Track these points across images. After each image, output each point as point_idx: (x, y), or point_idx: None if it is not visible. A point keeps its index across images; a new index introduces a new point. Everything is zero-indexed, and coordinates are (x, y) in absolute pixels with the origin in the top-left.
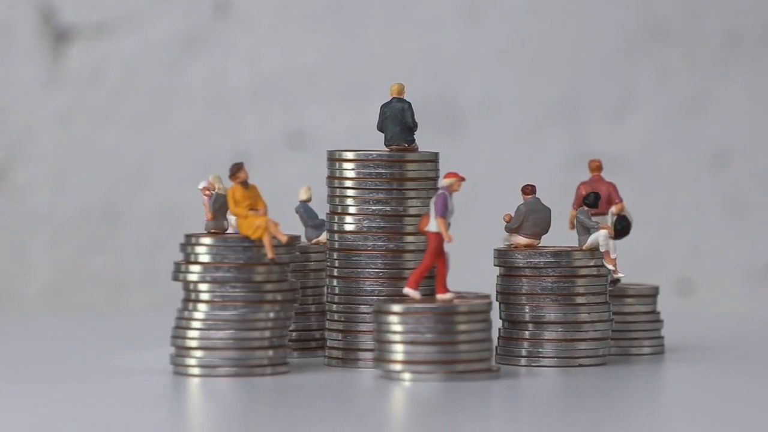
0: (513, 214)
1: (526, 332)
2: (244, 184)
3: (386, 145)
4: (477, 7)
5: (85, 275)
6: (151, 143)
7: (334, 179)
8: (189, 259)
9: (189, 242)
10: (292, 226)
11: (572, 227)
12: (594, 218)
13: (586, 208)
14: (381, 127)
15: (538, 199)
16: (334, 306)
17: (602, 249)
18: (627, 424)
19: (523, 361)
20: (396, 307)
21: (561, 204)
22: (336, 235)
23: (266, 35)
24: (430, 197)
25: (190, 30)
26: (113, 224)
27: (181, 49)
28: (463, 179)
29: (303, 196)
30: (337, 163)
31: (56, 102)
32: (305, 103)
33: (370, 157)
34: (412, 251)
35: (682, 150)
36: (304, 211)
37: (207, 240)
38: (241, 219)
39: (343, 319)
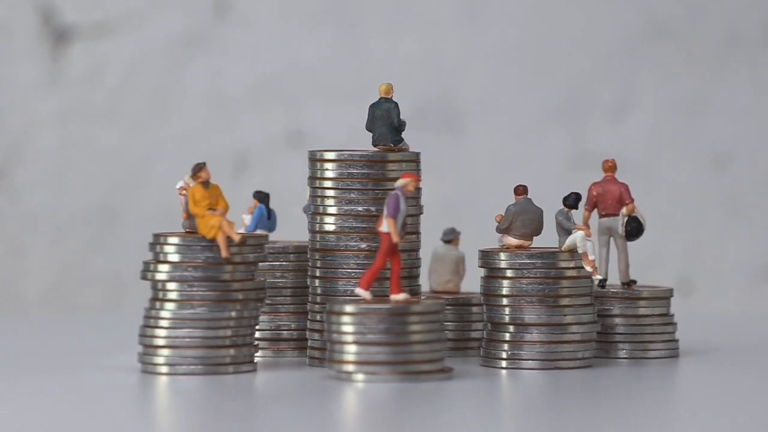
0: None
1: (508, 334)
2: (205, 183)
3: (374, 145)
4: (477, 7)
5: (85, 275)
6: (151, 143)
7: (315, 179)
8: (158, 259)
9: (157, 242)
10: (297, 225)
11: (588, 229)
12: (605, 219)
13: (565, 208)
14: (369, 127)
15: (530, 199)
16: (316, 306)
17: (580, 251)
18: (567, 429)
19: (505, 363)
20: (348, 308)
21: (560, 204)
22: (317, 236)
23: (266, 35)
24: (413, 197)
25: (190, 30)
26: (113, 224)
27: (181, 49)
28: (418, 180)
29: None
30: (317, 164)
31: (56, 102)
32: (305, 103)
33: (350, 158)
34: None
35: (682, 150)
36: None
37: (175, 240)
38: (198, 219)
39: (323, 319)
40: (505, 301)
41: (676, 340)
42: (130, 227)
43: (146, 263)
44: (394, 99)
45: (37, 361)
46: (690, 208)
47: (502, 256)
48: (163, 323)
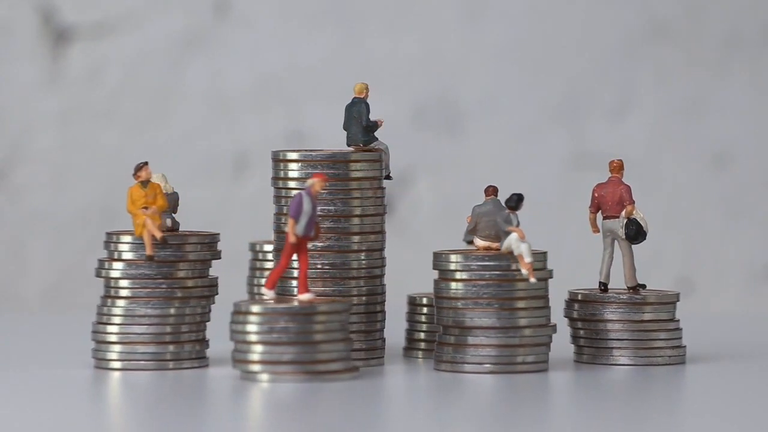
0: None
1: (460, 337)
2: (144, 183)
3: (348, 145)
4: (477, 7)
5: (85, 275)
6: (151, 143)
7: (278, 180)
8: (112, 256)
9: (110, 240)
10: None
11: (595, 231)
12: (607, 221)
13: (507, 210)
14: (346, 127)
15: (498, 201)
16: None
17: (515, 252)
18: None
19: (455, 366)
20: (254, 308)
21: (561, 204)
22: (283, 236)
23: (266, 35)
24: (377, 197)
25: (190, 30)
26: (113, 224)
27: (181, 49)
28: (325, 180)
29: None
30: (281, 164)
31: (56, 102)
32: (305, 103)
33: (313, 158)
34: (356, 251)
35: (682, 150)
36: None
37: (128, 238)
38: (132, 217)
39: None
40: (456, 303)
41: (683, 346)
42: (130, 227)
43: (101, 261)
44: (366, 99)
45: (13, 359)
46: (690, 208)
47: (453, 258)
48: (116, 320)
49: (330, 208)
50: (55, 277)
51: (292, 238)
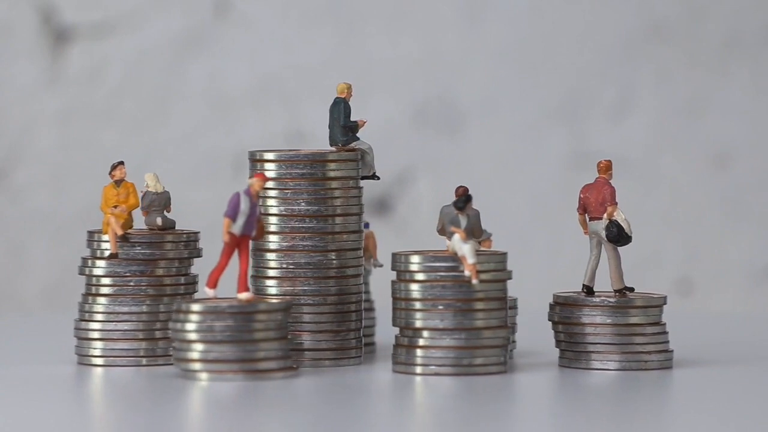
0: None
1: (414, 339)
2: (117, 182)
3: (330, 145)
4: (477, 7)
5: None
6: (151, 143)
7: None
8: (94, 255)
9: (92, 238)
10: None
11: (586, 232)
12: (592, 223)
13: (455, 210)
14: (329, 127)
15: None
16: None
17: (459, 254)
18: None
19: (417, 369)
20: (194, 306)
21: (560, 204)
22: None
23: (266, 35)
24: (353, 196)
25: (190, 30)
26: None
27: (181, 49)
28: (264, 180)
29: None
30: (258, 164)
31: (56, 102)
32: (305, 103)
33: (289, 158)
34: (336, 250)
35: (682, 150)
36: None
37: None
38: (103, 216)
39: None
40: (412, 305)
41: (670, 351)
42: None
43: (84, 259)
44: (348, 99)
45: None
46: (690, 208)
47: (412, 258)
48: (98, 317)
49: (307, 207)
50: (55, 277)
51: (225, 237)
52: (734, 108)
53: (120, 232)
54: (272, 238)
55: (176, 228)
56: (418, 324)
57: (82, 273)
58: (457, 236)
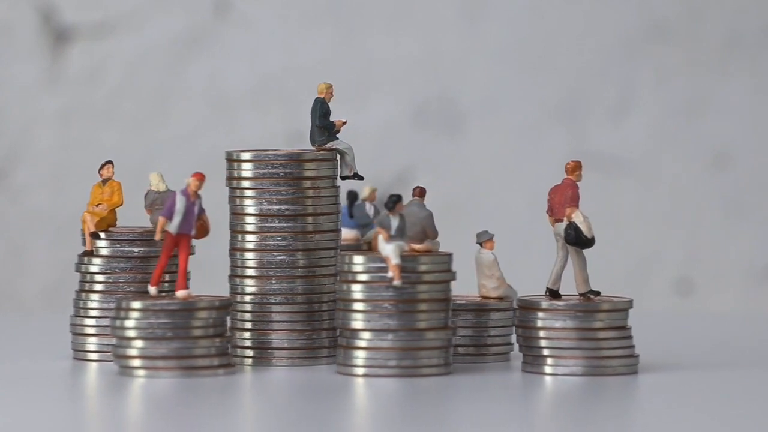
0: None
1: (352, 340)
2: (104, 181)
3: (311, 145)
4: (477, 7)
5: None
6: (151, 143)
7: (232, 180)
8: (90, 252)
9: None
10: None
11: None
12: (557, 225)
13: (386, 210)
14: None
15: (416, 201)
16: (237, 305)
17: (383, 254)
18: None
19: (359, 370)
20: (134, 304)
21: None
22: (239, 236)
23: (266, 35)
24: (330, 195)
25: (190, 30)
26: None
27: (181, 49)
28: (200, 179)
29: (365, 194)
30: (235, 164)
31: (56, 102)
32: (305, 103)
33: (266, 158)
34: (313, 249)
35: (682, 150)
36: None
37: (103, 234)
38: None
39: (249, 318)
40: (354, 305)
41: (636, 356)
42: (126, 223)
43: (80, 256)
44: (327, 99)
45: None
46: (690, 208)
47: (355, 259)
48: (92, 313)
49: (283, 207)
50: (54, 277)
51: (157, 236)
52: (734, 108)
53: (92, 230)
54: (249, 237)
55: None
56: (360, 325)
57: (78, 270)
58: (380, 237)
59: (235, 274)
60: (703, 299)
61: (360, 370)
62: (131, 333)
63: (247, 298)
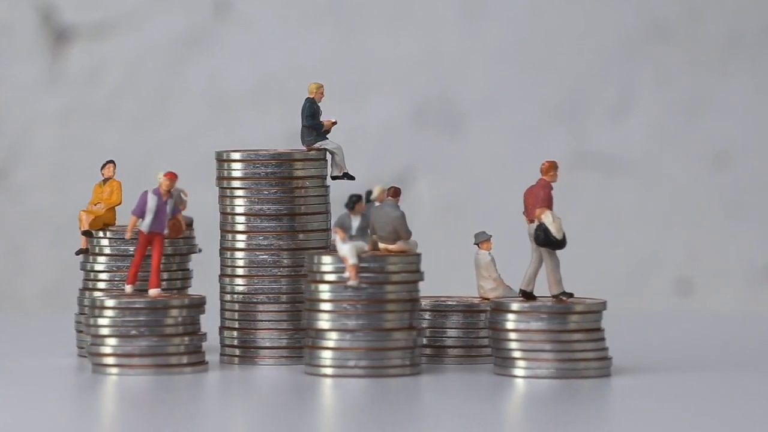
0: None
1: (318, 340)
2: (104, 180)
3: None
4: (477, 7)
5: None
6: (151, 143)
7: (222, 180)
8: (93, 251)
9: (91, 235)
10: None
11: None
12: (529, 225)
13: (346, 210)
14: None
15: (389, 202)
16: (227, 305)
17: (340, 254)
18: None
19: (327, 370)
20: (108, 302)
21: (560, 204)
22: (228, 235)
23: (266, 35)
24: (319, 195)
25: (190, 30)
26: None
27: (181, 49)
28: (171, 178)
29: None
30: (225, 164)
31: (56, 102)
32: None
33: (256, 158)
34: (303, 249)
35: (682, 150)
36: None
37: (107, 233)
38: None
39: (237, 317)
40: (321, 305)
41: (609, 358)
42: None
43: (75, 254)
44: (317, 99)
45: None
46: (690, 208)
47: (324, 259)
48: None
49: (273, 207)
50: (55, 277)
51: (127, 234)
52: (734, 108)
53: (84, 227)
54: (239, 237)
55: (192, 225)
56: (326, 325)
57: (82, 268)
58: (337, 237)
59: (225, 273)
60: (703, 299)
61: (327, 371)
62: (105, 331)
63: (234, 297)
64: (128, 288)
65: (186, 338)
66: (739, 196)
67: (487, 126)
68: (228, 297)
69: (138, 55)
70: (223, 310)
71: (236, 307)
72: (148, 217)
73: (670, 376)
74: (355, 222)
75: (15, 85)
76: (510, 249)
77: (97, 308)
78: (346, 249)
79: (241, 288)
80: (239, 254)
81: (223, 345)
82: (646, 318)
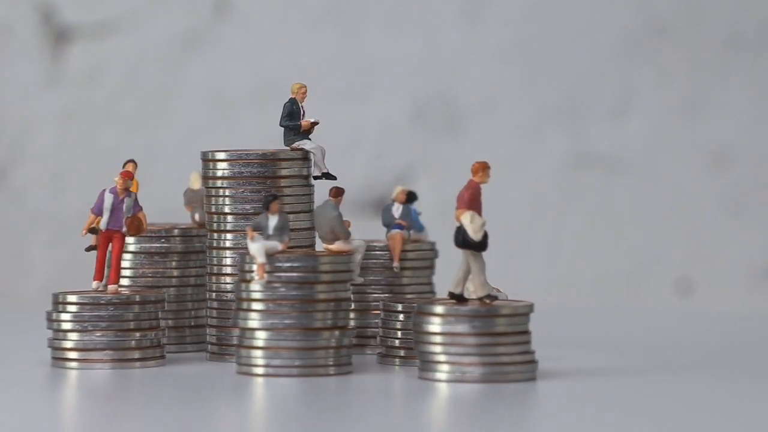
0: None
1: (250, 339)
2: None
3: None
4: (477, 7)
5: (85, 275)
6: (151, 143)
7: (208, 179)
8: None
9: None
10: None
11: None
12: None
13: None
14: None
15: (328, 202)
16: (214, 303)
17: (250, 253)
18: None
19: (259, 369)
20: (70, 297)
21: (560, 204)
22: (215, 234)
23: (266, 35)
24: (303, 194)
25: (190, 30)
26: None
27: (181, 49)
28: (128, 177)
29: (394, 196)
30: (210, 164)
31: (56, 102)
32: (305, 103)
33: (241, 157)
34: (291, 248)
35: (682, 150)
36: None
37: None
38: None
39: (216, 315)
40: (252, 305)
41: (535, 362)
42: None
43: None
44: (300, 99)
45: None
46: (690, 208)
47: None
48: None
49: (255, 205)
50: (55, 277)
51: (83, 232)
52: (734, 108)
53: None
54: (228, 236)
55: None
56: (257, 324)
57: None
58: (248, 236)
59: (212, 272)
60: (703, 299)
61: (258, 370)
62: (67, 326)
63: (214, 296)
64: (95, 284)
65: (147, 333)
66: (739, 196)
67: (487, 126)
68: (212, 296)
69: (138, 55)
70: (208, 308)
71: (214, 305)
72: (105, 215)
73: (615, 379)
74: (272, 221)
75: (15, 85)
76: (510, 249)
77: (59, 303)
78: (255, 248)
79: (222, 287)
80: (227, 253)
81: (207, 342)
82: (646, 318)
